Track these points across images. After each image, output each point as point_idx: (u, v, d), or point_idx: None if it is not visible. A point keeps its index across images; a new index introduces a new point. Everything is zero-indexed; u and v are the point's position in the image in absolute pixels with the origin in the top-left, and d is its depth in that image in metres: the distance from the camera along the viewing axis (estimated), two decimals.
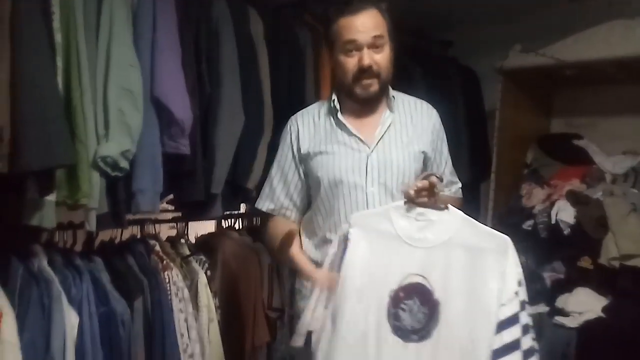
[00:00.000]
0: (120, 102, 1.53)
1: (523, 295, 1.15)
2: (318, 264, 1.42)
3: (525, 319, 1.14)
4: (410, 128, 1.45)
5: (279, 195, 1.47)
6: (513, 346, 1.12)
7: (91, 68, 1.52)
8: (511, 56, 2.38)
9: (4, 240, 1.54)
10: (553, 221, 2.19)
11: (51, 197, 1.44)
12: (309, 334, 1.29)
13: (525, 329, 1.14)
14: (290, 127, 1.49)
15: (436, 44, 2.97)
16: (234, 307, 1.96)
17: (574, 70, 2.28)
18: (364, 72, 1.34)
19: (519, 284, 1.14)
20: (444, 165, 1.52)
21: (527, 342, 1.14)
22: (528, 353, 1.13)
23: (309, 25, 2.17)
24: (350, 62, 1.35)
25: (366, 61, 1.33)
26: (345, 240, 1.25)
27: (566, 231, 2.15)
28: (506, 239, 1.16)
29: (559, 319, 2.08)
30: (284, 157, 1.48)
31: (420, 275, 1.19)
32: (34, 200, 1.41)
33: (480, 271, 1.15)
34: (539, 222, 2.25)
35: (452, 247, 1.18)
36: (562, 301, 2.15)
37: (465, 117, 2.79)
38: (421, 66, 2.63)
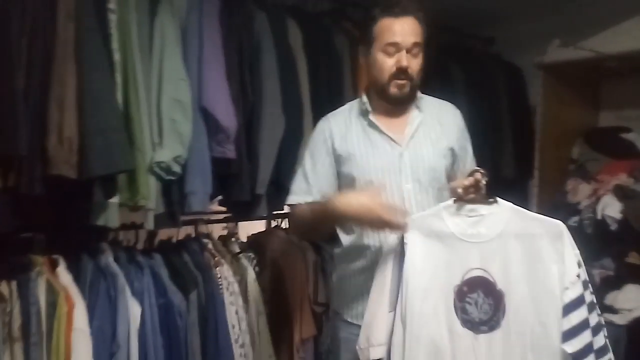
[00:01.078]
0: (172, 112, 1.69)
1: (584, 275, 1.17)
2: (355, 258, 1.49)
3: (589, 297, 1.16)
4: (437, 126, 1.50)
5: (314, 190, 1.49)
6: (582, 326, 1.14)
7: (146, 83, 1.68)
8: (550, 51, 2.36)
9: (76, 239, 1.73)
10: (599, 217, 2.17)
11: (114, 200, 1.60)
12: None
13: (591, 307, 1.16)
14: (323, 126, 1.54)
15: (478, 42, 2.98)
16: (282, 301, 2.07)
17: (616, 62, 2.24)
18: (401, 72, 1.41)
19: (579, 265, 1.16)
20: (469, 163, 1.55)
21: (594, 318, 1.16)
22: (597, 329, 1.15)
23: (346, 31, 2.26)
24: (389, 62, 1.41)
25: (404, 62, 1.39)
26: (402, 244, 1.29)
27: (613, 226, 2.12)
28: (559, 223, 1.18)
29: (608, 317, 2.04)
30: (318, 153, 1.50)
31: (481, 269, 1.23)
32: (99, 203, 1.57)
33: (538, 256, 1.17)
34: (584, 218, 2.23)
35: (507, 238, 1.20)
36: (611, 298, 2.12)
37: (510, 113, 2.78)
38: (463, 64, 2.66)
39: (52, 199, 1.55)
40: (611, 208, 2.15)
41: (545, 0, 2.56)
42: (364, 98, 1.52)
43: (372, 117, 1.49)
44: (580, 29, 2.34)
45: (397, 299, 1.28)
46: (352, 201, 1.30)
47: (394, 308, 1.29)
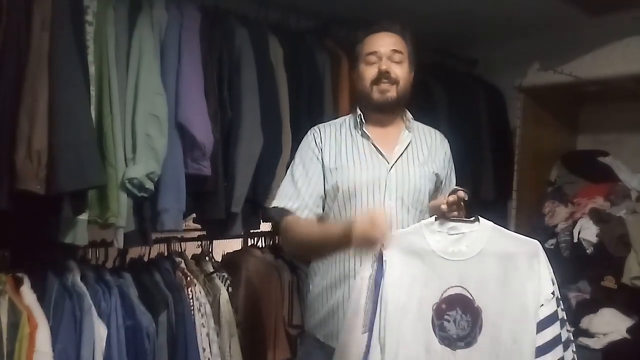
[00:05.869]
0: (147, 127, 1.65)
1: (557, 292, 1.21)
2: (327, 274, 1.46)
3: (561, 313, 1.21)
4: (425, 150, 1.52)
5: (304, 195, 1.43)
6: (555, 341, 1.18)
7: (121, 97, 1.64)
8: (530, 74, 2.39)
9: (42, 257, 1.67)
10: (575, 240, 2.17)
11: (83, 217, 1.55)
12: None
13: (562, 323, 1.20)
14: (314, 134, 1.52)
15: (461, 63, 3.01)
16: (256, 323, 2.02)
17: (595, 87, 2.27)
18: (381, 76, 1.43)
19: (553, 282, 1.20)
20: None
21: (565, 333, 1.20)
22: (566, 344, 1.20)
23: (328, 49, 2.25)
24: (370, 70, 1.45)
25: (384, 66, 1.43)
26: (380, 261, 1.27)
27: (589, 250, 2.13)
28: (536, 243, 1.22)
29: (584, 340, 2.05)
30: (309, 160, 1.47)
31: (460, 287, 1.23)
32: (68, 220, 1.52)
33: (515, 274, 1.20)
34: (561, 240, 2.23)
35: (486, 256, 1.22)
36: (587, 322, 2.12)
37: (490, 134, 2.80)
38: (446, 84, 2.67)
39: (18, 214, 1.50)
40: (587, 231, 2.16)
41: (526, 23, 2.60)
42: (359, 111, 1.52)
43: (365, 128, 1.49)
44: (560, 52, 2.37)
45: (372, 318, 1.26)
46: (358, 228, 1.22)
47: (369, 328, 1.26)
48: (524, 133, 2.47)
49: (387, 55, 1.44)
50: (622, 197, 2.25)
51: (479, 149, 2.72)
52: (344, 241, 1.25)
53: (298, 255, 1.70)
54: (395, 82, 1.44)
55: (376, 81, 1.44)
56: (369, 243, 1.20)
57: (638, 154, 2.45)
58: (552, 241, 2.28)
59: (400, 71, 1.45)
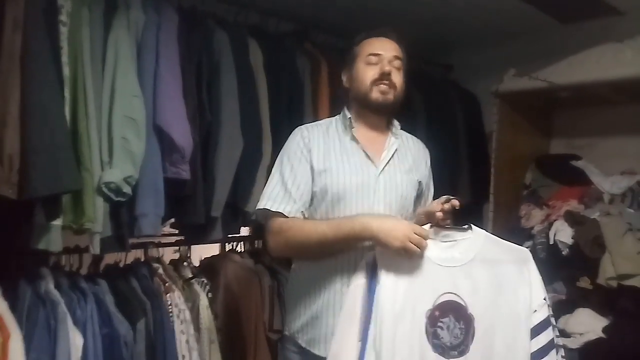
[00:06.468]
0: (124, 130, 1.61)
1: (547, 298, 1.27)
2: (311, 278, 1.44)
3: (552, 319, 1.26)
4: (410, 158, 1.53)
5: (294, 197, 1.40)
6: (550, 346, 1.22)
7: (97, 99, 1.60)
8: (506, 80, 2.43)
9: (14, 264, 1.61)
10: (551, 242, 2.21)
11: (57, 222, 1.50)
12: None
13: (554, 327, 1.26)
14: (301, 134, 1.47)
15: (437, 68, 3.04)
16: (236, 328, 2.00)
17: (569, 92, 2.32)
18: (383, 77, 1.43)
19: (543, 289, 1.26)
20: (430, 201, 1.57)
21: (555, 338, 1.26)
22: (558, 348, 1.26)
23: (308, 53, 2.25)
24: (371, 70, 1.45)
25: (387, 67, 1.43)
26: (372, 268, 1.27)
27: (565, 251, 2.17)
28: (526, 251, 1.27)
29: (560, 340, 2.07)
30: (297, 161, 1.43)
31: (453, 293, 1.25)
32: (41, 225, 1.47)
33: (507, 282, 1.24)
34: (537, 242, 2.27)
35: (479, 263, 1.25)
36: (563, 322, 2.16)
37: (466, 139, 2.84)
38: (422, 89, 2.69)
39: None
40: (563, 233, 2.20)
41: (500, 31, 2.65)
42: (348, 114, 1.51)
43: (355, 132, 1.48)
44: (532, 59, 2.42)
45: (366, 326, 1.26)
46: (386, 222, 1.29)
47: (363, 337, 1.25)
48: (500, 137, 2.50)
49: (388, 59, 1.45)
50: (595, 200, 2.31)
51: (455, 153, 2.75)
52: (363, 234, 1.30)
53: (294, 254, 1.56)
54: (393, 86, 1.45)
55: (377, 81, 1.44)
56: (403, 245, 1.23)
57: (610, 157, 2.50)
58: (529, 243, 2.32)
59: (398, 78, 1.47)
